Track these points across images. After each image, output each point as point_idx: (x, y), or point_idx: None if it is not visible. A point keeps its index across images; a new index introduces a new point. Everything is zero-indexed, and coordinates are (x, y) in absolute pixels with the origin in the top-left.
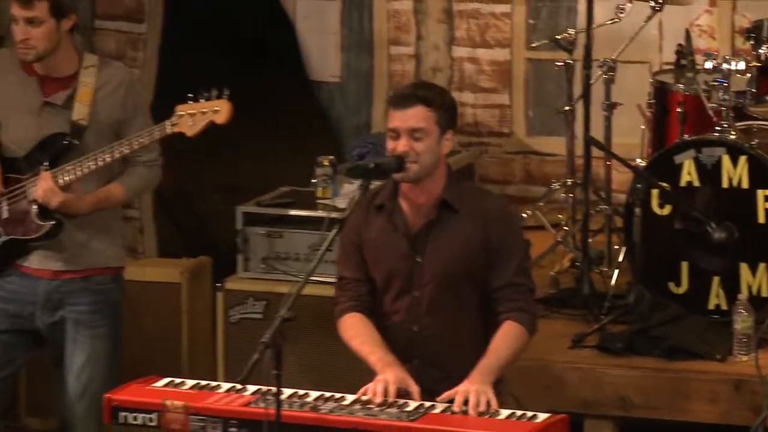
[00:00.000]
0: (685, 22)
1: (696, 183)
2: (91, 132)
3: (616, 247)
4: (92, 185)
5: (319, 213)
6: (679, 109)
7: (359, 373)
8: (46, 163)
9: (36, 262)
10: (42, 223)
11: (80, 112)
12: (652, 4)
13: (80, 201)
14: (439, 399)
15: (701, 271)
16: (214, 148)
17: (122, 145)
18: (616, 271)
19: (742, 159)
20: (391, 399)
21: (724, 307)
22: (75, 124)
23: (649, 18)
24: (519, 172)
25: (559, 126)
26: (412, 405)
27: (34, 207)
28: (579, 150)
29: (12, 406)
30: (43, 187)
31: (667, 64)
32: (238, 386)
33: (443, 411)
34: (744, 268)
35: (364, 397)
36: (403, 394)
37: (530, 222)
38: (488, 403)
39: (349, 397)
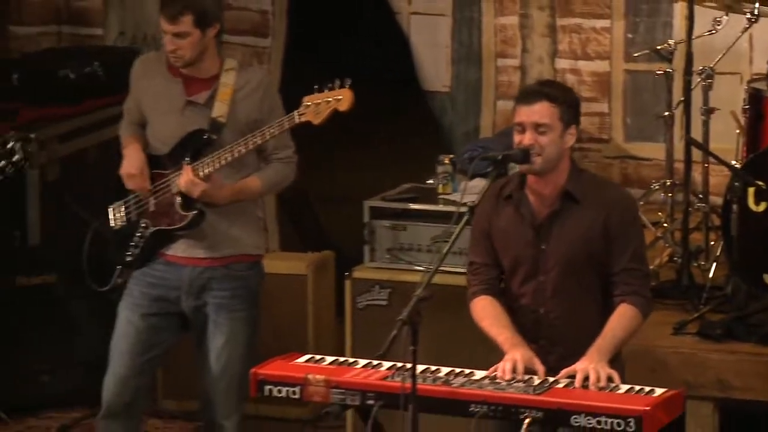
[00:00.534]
0: None
1: None
2: (228, 129)
3: (712, 243)
4: (231, 179)
5: (440, 207)
6: None
7: (484, 353)
8: (188, 158)
9: (180, 250)
10: (185, 213)
11: (220, 110)
12: (749, 16)
13: (220, 191)
14: (558, 376)
15: None
16: (337, 150)
17: (255, 136)
18: (714, 265)
19: None
20: (519, 377)
21: None
22: (214, 121)
23: (746, 29)
24: (617, 176)
25: (655, 132)
26: (537, 380)
27: (178, 199)
28: (676, 154)
29: (150, 389)
30: (185, 179)
31: (757, 74)
32: (374, 362)
33: (566, 386)
34: None
35: (492, 376)
36: (530, 372)
37: None
38: (609, 378)
39: (479, 373)
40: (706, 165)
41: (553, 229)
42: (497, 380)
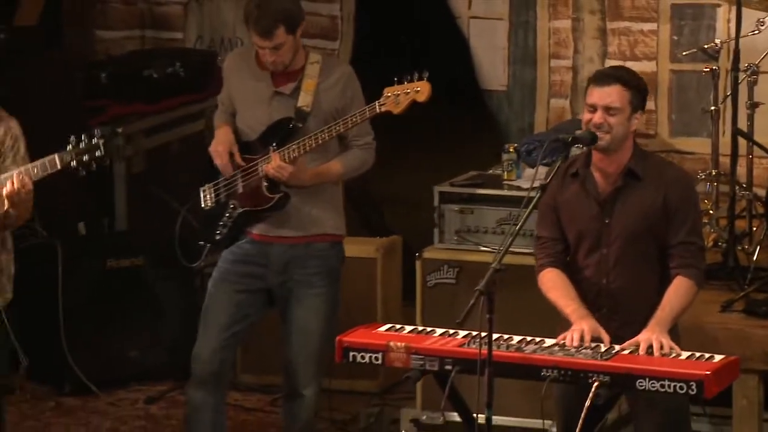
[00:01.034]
0: None
1: None
2: (313, 117)
3: (755, 228)
4: (315, 164)
5: (505, 192)
6: None
7: (551, 325)
8: (275, 144)
9: (266, 230)
10: (271, 195)
11: (304, 100)
12: None
13: (304, 174)
14: (622, 346)
15: None
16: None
17: (338, 124)
18: (757, 248)
19: None
20: (586, 345)
21: None
22: (299, 110)
23: None
24: None
25: (699, 128)
26: (603, 347)
27: (265, 182)
28: (721, 148)
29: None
30: (274, 164)
31: None
32: (451, 331)
33: (631, 353)
34: None
35: (561, 344)
36: (596, 341)
37: None
38: (671, 348)
39: (548, 341)
40: (750, 156)
41: (617, 205)
42: (566, 347)
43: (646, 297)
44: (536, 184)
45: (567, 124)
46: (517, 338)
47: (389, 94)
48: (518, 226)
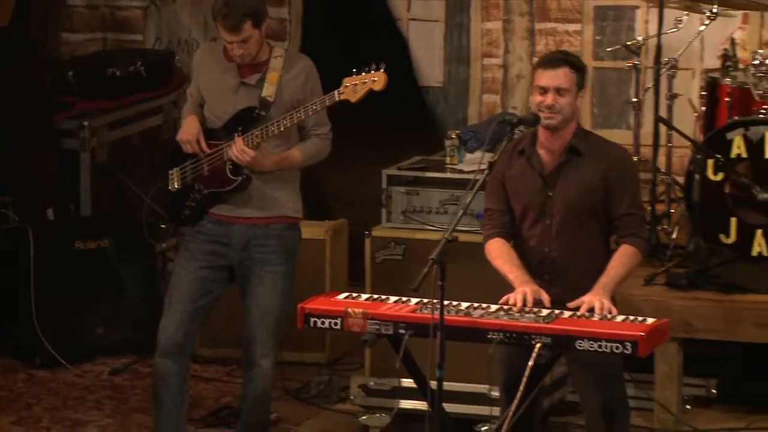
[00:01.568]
0: (721, 37)
1: (744, 155)
2: (275, 107)
3: (673, 210)
4: (277, 150)
5: (448, 175)
6: (727, 99)
7: (496, 293)
8: (240, 130)
9: (228, 210)
10: (234, 178)
11: (268, 90)
12: (708, 14)
13: (266, 158)
14: (569, 305)
15: (747, 225)
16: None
17: (299, 112)
18: (676, 228)
19: None
20: (528, 307)
21: (765, 254)
22: (263, 100)
23: (707, 25)
24: None
25: (619, 121)
26: (545, 311)
27: (229, 165)
28: (642, 139)
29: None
30: (237, 147)
31: (708, 69)
32: (404, 298)
33: (571, 316)
34: None
35: (506, 306)
36: (537, 303)
37: None
38: (609, 311)
39: (494, 306)
40: (669, 145)
41: (559, 179)
42: (511, 311)
43: (585, 265)
44: (484, 166)
45: (497, 117)
46: (465, 304)
47: (347, 84)
48: (469, 199)
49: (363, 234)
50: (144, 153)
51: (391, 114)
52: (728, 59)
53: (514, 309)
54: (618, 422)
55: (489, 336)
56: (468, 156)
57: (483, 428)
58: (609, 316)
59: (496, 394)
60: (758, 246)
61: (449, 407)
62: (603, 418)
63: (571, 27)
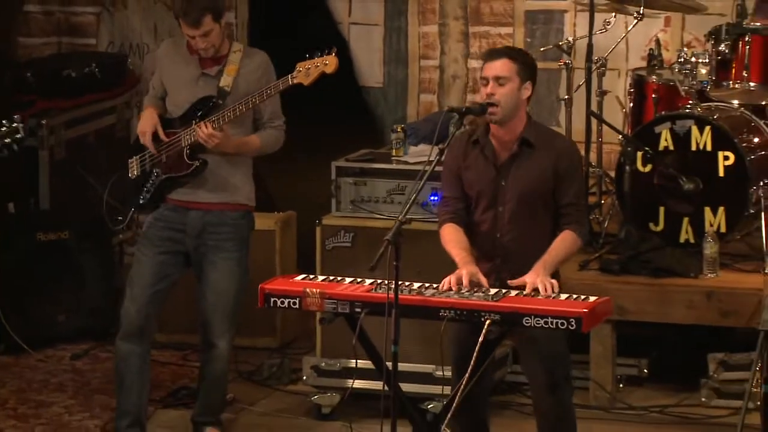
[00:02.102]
0: (645, 39)
1: (671, 147)
2: (231, 96)
3: (603, 201)
4: (234, 137)
5: (394, 166)
6: (653, 95)
7: (440, 276)
8: (198, 116)
9: (184, 195)
10: (191, 163)
11: (226, 81)
12: (635, 14)
13: (228, 140)
14: (511, 283)
15: (674, 214)
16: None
17: (254, 97)
18: (608, 218)
19: (707, 128)
20: (465, 288)
21: (692, 240)
22: (221, 90)
23: (634, 25)
24: None
25: (549, 119)
26: (493, 291)
27: (187, 150)
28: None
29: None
30: (205, 131)
31: (635, 68)
32: (358, 279)
33: (517, 294)
34: (707, 211)
35: (444, 287)
36: (475, 285)
37: None
38: (552, 288)
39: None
40: (600, 140)
41: (512, 169)
42: (462, 291)
43: (534, 250)
44: (413, 160)
45: (435, 115)
46: (417, 284)
47: (300, 69)
48: (422, 183)
49: (308, 226)
50: (99, 151)
51: (334, 113)
52: (654, 58)
53: (463, 288)
54: (563, 397)
55: (441, 314)
56: (412, 148)
57: (429, 406)
58: (553, 294)
59: (440, 373)
60: (685, 233)
61: None
62: (549, 393)
63: (504, 30)
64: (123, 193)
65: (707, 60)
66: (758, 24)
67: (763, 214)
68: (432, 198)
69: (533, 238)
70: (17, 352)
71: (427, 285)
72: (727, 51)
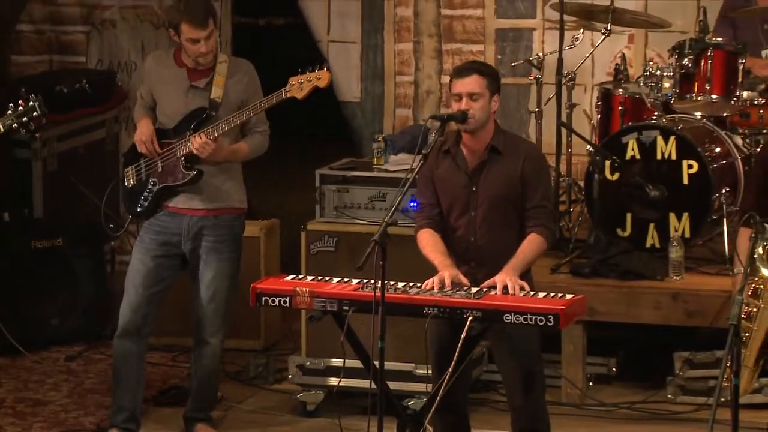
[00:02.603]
0: (610, 56)
1: (638, 156)
2: (222, 107)
3: (572, 209)
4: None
5: (376, 174)
6: (620, 108)
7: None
8: (192, 128)
9: (181, 202)
10: (187, 172)
11: (216, 92)
12: (603, 30)
13: (221, 149)
14: (482, 285)
15: (641, 220)
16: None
17: (248, 110)
18: (578, 224)
19: (672, 138)
20: (447, 289)
21: (657, 245)
22: (213, 101)
23: (601, 41)
24: None
25: (519, 131)
26: (474, 290)
27: (182, 161)
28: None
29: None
30: (200, 141)
31: (602, 82)
32: (345, 279)
33: (488, 292)
34: (672, 217)
35: (427, 287)
36: (456, 285)
37: None
38: (522, 288)
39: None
40: (570, 150)
41: (482, 176)
42: (445, 290)
43: (507, 252)
44: (394, 168)
45: (411, 128)
46: (402, 283)
47: (293, 83)
48: (405, 188)
49: (291, 233)
50: (89, 162)
51: (315, 127)
52: (620, 73)
53: (446, 288)
54: (536, 394)
55: (425, 311)
56: (393, 157)
57: (410, 403)
58: (530, 292)
59: (420, 371)
60: (651, 238)
61: None
62: (523, 390)
63: (475, 47)
64: (117, 202)
65: (671, 74)
66: (719, 39)
67: (725, 220)
68: (412, 204)
69: (506, 240)
70: (13, 353)
71: (411, 284)
72: (690, 65)
